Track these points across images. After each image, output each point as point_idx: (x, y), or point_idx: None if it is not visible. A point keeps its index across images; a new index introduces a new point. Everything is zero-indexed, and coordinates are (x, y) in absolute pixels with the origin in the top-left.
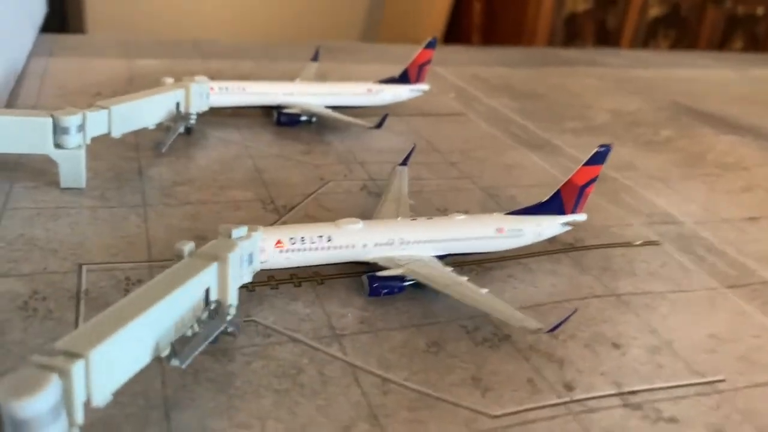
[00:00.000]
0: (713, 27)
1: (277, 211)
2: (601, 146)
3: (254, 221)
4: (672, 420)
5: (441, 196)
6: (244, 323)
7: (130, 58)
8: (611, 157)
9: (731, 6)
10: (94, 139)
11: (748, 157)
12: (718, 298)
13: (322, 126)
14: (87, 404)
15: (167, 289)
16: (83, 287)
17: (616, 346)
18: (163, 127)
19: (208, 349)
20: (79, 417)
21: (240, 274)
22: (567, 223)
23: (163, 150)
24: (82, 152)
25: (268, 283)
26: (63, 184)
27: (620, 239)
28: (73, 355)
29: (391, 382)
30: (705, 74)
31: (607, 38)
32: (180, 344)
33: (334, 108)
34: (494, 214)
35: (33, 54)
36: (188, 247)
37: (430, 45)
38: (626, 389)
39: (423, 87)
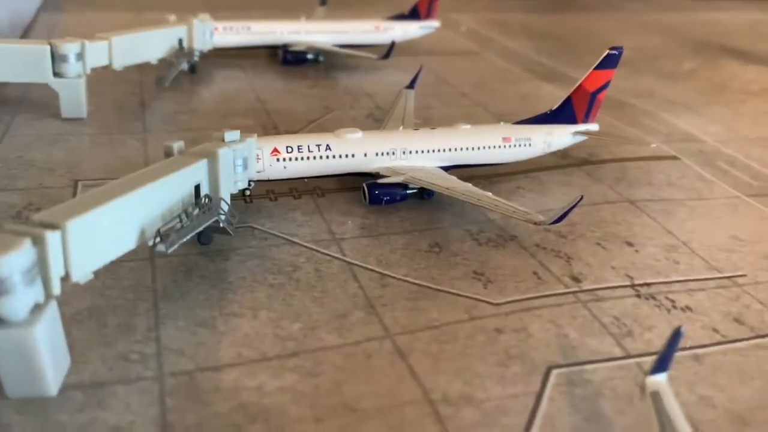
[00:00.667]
0: None
1: (280, 134)
2: (613, 48)
3: None
4: (687, 309)
5: (451, 122)
6: (242, 229)
7: (139, 11)
8: (630, 86)
9: None
10: (97, 77)
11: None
12: (741, 205)
13: (330, 65)
14: (67, 279)
15: (152, 178)
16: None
17: (629, 244)
18: (167, 65)
19: (202, 251)
20: (56, 288)
21: (233, 176)
22: (579, 133)
23: (166, 84)
24: (82, 81)
25: (267, 196)
26: (64, 114)
27: (638, 156)
28: (49, 225)
29: (390, 276)
30: (731, 16)
31: None
32: (171, 230)
33: (343, 46)
34: (501, 123)
35: (43, 9)
36: (177, 144)
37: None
38: (639, 281)
39: (433, 23)
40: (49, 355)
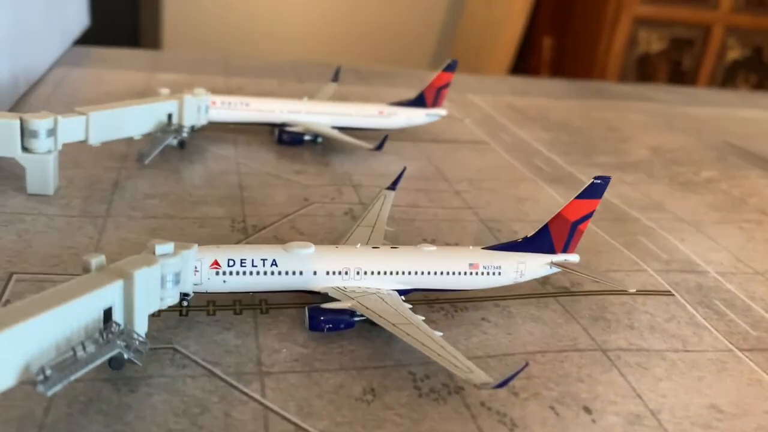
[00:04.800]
0: None
1: (246, 230)
2: (598, 178)
3: (216, 240)
4: None
5: (434, 227)
6: (163, 351)
7: (153, 71)
8: (639, 195)
9: None
10: (79, 148)
11: None
12: (731, 362)
13: (327, 147)
14: None
15: (50, 304)
16: (5, 297)
17: (587, 410)
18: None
19: (111, 376)
20: None
21: (156, 295)
22: (556, 264)
23: (146, 161)
24: (51, 158)
25: (206, 308)
26: (29, 190)
27: (624, 290)
28: None
29: (305, 431)
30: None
31: (681, 79)
32: (58, 367)
33: (344, 129)
34: (470, 247)
35: (59, 64)
36: (96, 260)
37: (450, 68)
38: None
39: (440, 112)
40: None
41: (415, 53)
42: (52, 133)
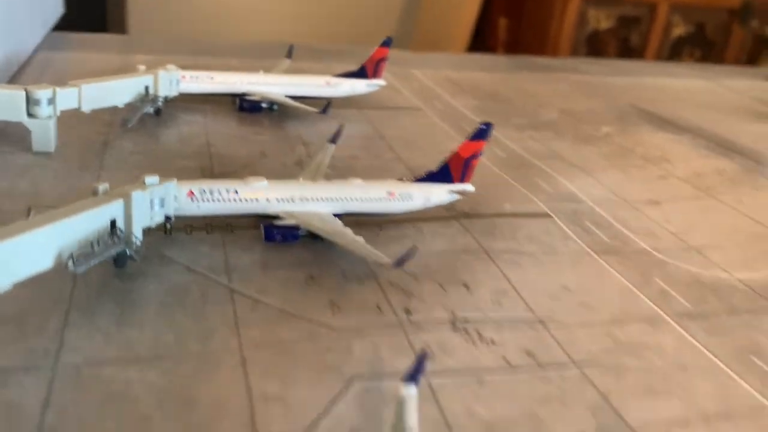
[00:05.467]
0: (740, 46)
1: (214, 177)
2: (484, 124)
3: None
4: (491, 341)
5: (368, 172)
6: (153, 256)
7: (127, 53)
8: (542, 149)
9: (758, 26)
10: (72, 115)
11: (676, 152)
12: (585, 259)
13: (282, 113)
14: None
15: (72, 212)
16: None
17: (466, 286)
18: (134, 108)
19: (116, 272)
20: None
21: (149, 213)
22: (456, 192)
23: (129, 125)
24: (52, 122)
25: (184, 229)
26: (34, 149)
27: (514, 213)
28: None
29: (261, 302)
30: (682, 83)
31: (630, 55)
32: (83, 255)
33: (296, 98)
34: (388, 180)
35: (41, 48)
36: (102, 186)
37: (386, 43)
38: (459, 316)
39: (379, 82)
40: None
41: (377, 34)
42: (51, 101)
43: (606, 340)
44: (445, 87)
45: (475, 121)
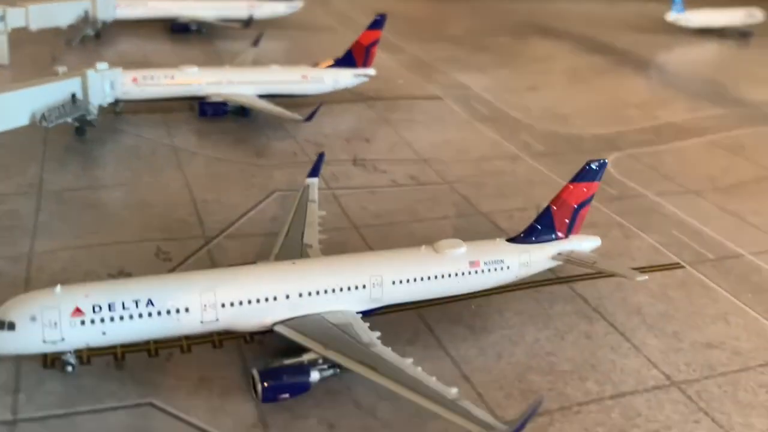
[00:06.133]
0: None
1: None
2: (379, 15)
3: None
4: (383, 171)
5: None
6: (109, 129)
7: None
8: (446, 55)
9: None
10: (22, 36)
11: (559, 54)
12: (467, 125)
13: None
14: None
15: (39, 83)
16: None
17: (367, 140)
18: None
19: (78, 140)
20: None
21: (101, 92)
22: (360, 75)
23: (73, 44)
24: (4, 38)
25: (131, 112)
26: None
27: (412, 95)
28: None
29: (198, 153)
30: (572, 5)
31: None
32: (53, 113)
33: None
34: (302, 65)
35: None
36: (62, 68)
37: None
38: (360, 158)
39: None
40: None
41: None
42: (2, 18)
43: (473, 168)
44: (361, 12)
45: (390, 39)
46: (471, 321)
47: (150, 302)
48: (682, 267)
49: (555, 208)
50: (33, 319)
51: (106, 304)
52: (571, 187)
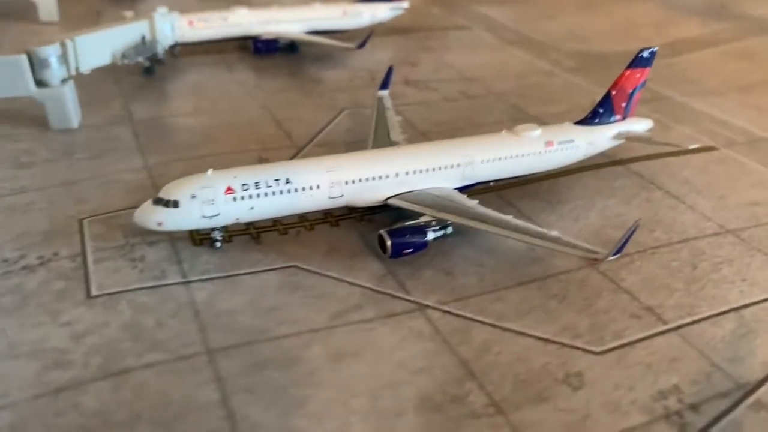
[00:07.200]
0: None
1: None
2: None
3: None
4: (434, 89)
5: None
6: (172, 70)
7: None
8: None
9: None
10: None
11: None
12: (499, 49)
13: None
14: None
15: (114, 27)
16: None
17: (412, 64)
18: None
19: (148, 78)
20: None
21: (164, 34)
22: (395, 8)
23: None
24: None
25: (190, 54)
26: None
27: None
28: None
29: (260, 86)
30: None
31: None
32: (131, 52)
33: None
34: (342, 2)
35: None
36: (129, 13)
37: None
38: (410, 79)
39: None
40: (72, 106)
41: None
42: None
43: (514, 83)
44: None
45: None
46: (546, 197)
47: (288, 180)
48: (717, 149)
49: (614, 93)
50: (193, 197)
51: (253, 183)
52: (628, 72)
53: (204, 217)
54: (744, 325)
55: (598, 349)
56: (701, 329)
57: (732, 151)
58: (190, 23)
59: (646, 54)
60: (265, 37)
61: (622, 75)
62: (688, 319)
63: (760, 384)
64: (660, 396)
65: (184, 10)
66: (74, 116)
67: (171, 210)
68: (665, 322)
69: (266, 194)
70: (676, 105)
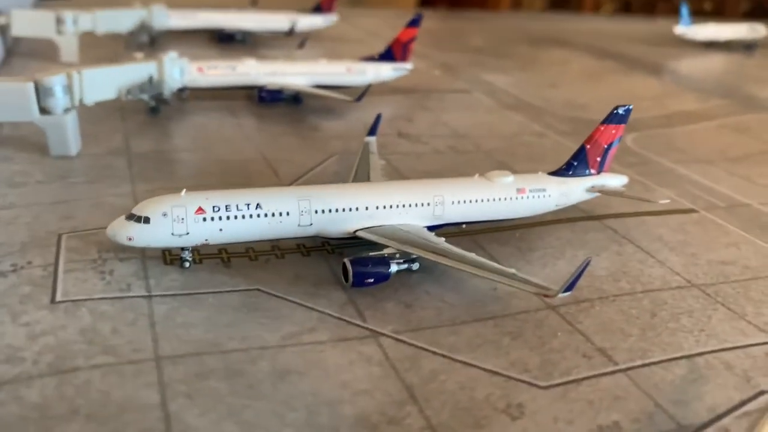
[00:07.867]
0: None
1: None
2: (416, 14)
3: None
4: (426, 143)
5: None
6: (177, 112)
7: None
8: (464, 59)
9: None
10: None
11: (574, 60)
12: (495, 111)
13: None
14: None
15: (125, 63)
16: None
17: (408, 120)
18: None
19: (152, 117)
20: (76, 100)
21: (172, 76)
22: (399, 69)
23: (132, 48)
24: (74, 39)
25: (196, 99)
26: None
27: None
28: (73, 70)
29: (262, 130)
30: (591, 25)
31: (563, 6)
32: (136, 89)
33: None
34: (347, 60)
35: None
36: (140, 54)
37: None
38: (404, 132)
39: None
40: (72, 135)
41: None
42: (74, 23)
43: (505, 142)
44: (386, 27)
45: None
46: (517, 243)
47: (258, 206)
48: (697, 212)
49: (588, 146)
50: (164, 215)
51: (224, 205)
52: (602, 128)
53: (173, 234)
54: (695, 371)
55: (543, 384)
56: (651, 372)
57: (711, 214)
58: (200, 69)
59: (621, 111)
60: (270, 87)
61: (596, 130)
62: (639, 362)
63: (703, 427)
64: (598, 431)
65: (200, 57)
66: (73, 145)
67: (142, 226)
68: (615, 363)
69: (236, 217)
70: (663, 170)
